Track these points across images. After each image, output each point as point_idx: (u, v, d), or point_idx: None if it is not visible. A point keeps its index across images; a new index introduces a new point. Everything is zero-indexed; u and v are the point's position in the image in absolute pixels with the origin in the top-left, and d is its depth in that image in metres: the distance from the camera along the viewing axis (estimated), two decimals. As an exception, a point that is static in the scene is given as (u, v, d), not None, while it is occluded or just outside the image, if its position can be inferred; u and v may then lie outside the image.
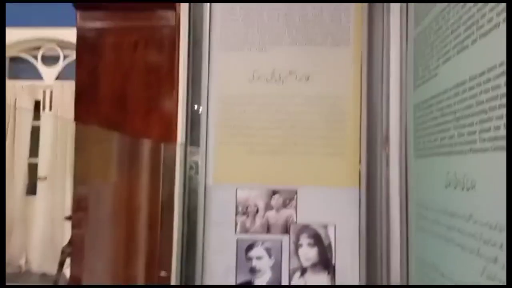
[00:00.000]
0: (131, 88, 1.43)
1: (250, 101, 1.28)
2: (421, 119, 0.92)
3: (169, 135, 1.29)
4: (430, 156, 0.86)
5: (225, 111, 1.28)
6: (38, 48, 3.85)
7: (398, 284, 1.08)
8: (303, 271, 1.22)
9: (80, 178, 1.26)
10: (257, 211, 1.25)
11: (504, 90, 0.56)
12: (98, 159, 1.25)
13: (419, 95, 0.95)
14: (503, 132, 0.56)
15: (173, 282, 1.22)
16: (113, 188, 1.30)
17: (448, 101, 0.77)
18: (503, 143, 0.56)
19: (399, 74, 1.12)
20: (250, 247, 1.24)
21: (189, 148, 1.28)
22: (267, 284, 1.22)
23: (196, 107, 1.30)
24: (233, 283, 1.23)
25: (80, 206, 1.29)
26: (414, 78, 0.98)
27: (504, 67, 0.56)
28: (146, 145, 1.31)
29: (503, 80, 0.57)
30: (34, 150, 3.53)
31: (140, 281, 1.36)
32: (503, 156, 0.56)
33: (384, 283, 1.14)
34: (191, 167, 1.29)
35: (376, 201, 1.21)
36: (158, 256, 1.27)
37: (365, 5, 1.27)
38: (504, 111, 0.56)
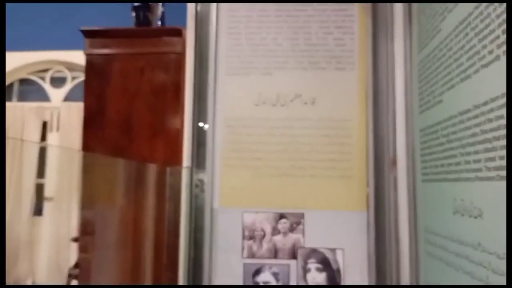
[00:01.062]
0: (138, 113, 1.45)
1: (256, 124, 1.29)
2: (427, 143, 0.93)
3: (175, 158, 1.30)
4: (437, 182, 0.86)
5: (231, 135, 1.29)
6: (46, 70, 3.92)
7: (408, 309, 1.06)
8: (311, 296, 1.21)
9: (86, 202, 1.27)
10: (264, 235, 1.24)
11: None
12: (104, 183, 1.26)
13: (425, 120, 0.95)
14: (506, 162, 0.56)
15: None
16: (119, 212, 1.31)
17: (453, 128, 0.78)
18: (504, 172, 0.56)
19: (404, 97, 1.13)
20: (257, 271, 1.23)
21: (195, 170, 1.29)
22: (275, 309, 1.21)
23: (202, 125, 1.32)
24: (240, 309, 1.22)
25: (86, 230, 1.30)
26: (420, 103, 0.99)
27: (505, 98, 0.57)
28: (151, 168, 1.32)
29: (505, 110, 0.57)
30: (41, 170, 3.56)
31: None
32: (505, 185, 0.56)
33: (393, 308, 1.13)
34: (196, 185, 1.29)
35: (384, 224, 1.20)
36: (164, 279, 1.27)
37: (370, 29, 1.29)
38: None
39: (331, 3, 1.31)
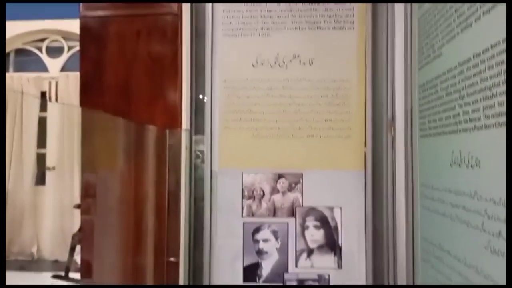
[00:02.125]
0: (135, 77, 1.43)
1: (254, 86, 1.28)
2: (426, 99, 0.92)
3: (174, 122, 1.30)
4: (435, 136, 0.86)
5: (229, 97, 1.28)
6: (42, 40, 3.86)
7: (405, 282, 1.09)
8: (310, 252, 1.24)
9: (87, 166, 1.28)
10: (263, 195, 1.26)
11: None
12: (104, 147, 1.27)
13: (424, 76, 0.94)
14: (505, 108, 0.56)
15: (181, 267, 1.24)
16: (120, 176, 1.32)
17: (452, 80, 0.77)
18: (505, 118, 0.56)
19: (404, 55, 1.11)
20: (256, 230, 1.25)
21: (194, 137, 1.29)
22: (275, 264, 1.24)
23: (200, 94, 1.31)
24: (241, 266, 1.25)
25: (88, 193, 1.31)
26: (419, 59, 0.98)
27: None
28: (151, 132, 1.32)
29: (505, 56, 0.56)
30: (41, 140, 3.56)
31: (149, 267, 1.38)
32: (504, 131, 0.56)
33: (391, 263, 1.15)
34: (197, 156, 1.30)
35: (381, 183, 1.21)
36: (166, 241, 1.29)
37: (369, -14, 1.26)
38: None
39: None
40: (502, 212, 0.58)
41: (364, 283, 1.21)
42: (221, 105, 1.28)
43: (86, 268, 1.35)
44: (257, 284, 1.24)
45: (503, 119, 0.57)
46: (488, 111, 0.62)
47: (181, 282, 1.24)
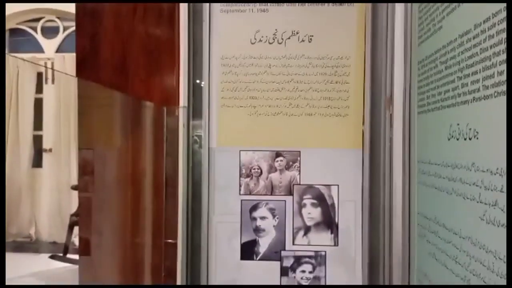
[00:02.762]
0: (132, 53, 1.42)
1: (252, 63, 1.27)
2: (425, 74, 0.92)
3: (171, 99, 1.29)
4: (433, 111, 0.86)
5: (227, 74, 1.27)
6: (37, 20, 3.80)
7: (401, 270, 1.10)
8: (307, 230, 1.25)
9: (84, 142, 1.27)
10: (261, 173, 1.26)
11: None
12: (101, 123, 1.26)
13: (424, 51, 0.93)
14: (505, 76, 0.56)
15: (179, 244, 1.25)
16: (117, 153, 1.32)
17: (452, 53, 0.76)
18: (505, 87, 0.56)
19: (403, 31, 1.09)
20: (254, 208, 1.26)
21: (192, 121, 1.28)
22: (272, 242, 1.25)
23: (197, 72, 1.29)
24: (238, 243, 1.26)
25: (85, 170, 1.31)
26: (419, 34, 0.97)
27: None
28: (148, 109, 1.31)
29: (506, 24, 0.56)
30: (38, 122, 3.54)
31: (147, 244, 1.39)
32: (505, 100, 0.56)
33: (386, 240, 1.16)
34: (195, 141, 1.29)
35: (379, 161, 1.21)
36: (164, 218, 1.30)
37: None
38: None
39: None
40: (499, 182, 0.58)
41: (360, 260, 1.23)
42: (219, 82, 1.27)
43: (84, 246, 1.36)
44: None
45: (503, 88, 0.57)
46: (488, 81, 0.61)
47: (179, 262, 1.25)
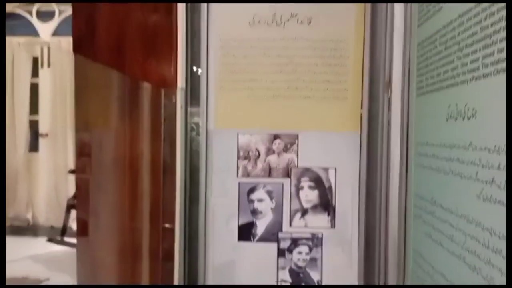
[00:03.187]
0: (128, 35, 1.40)
1: (251, 45, 1.26)
2: (424, 56, 0.91)
3: (169, 81, 1.29)
4: (432, 92, 0.86)
5: (225, 56, 1.26)
6: (32, 3, 3.74)
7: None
8: (304, 212, 1.25)
9: (81, 124, 1.27)
10: (259, 155, 1.26)
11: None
12: (98, 105, 1.25)
13: (423, 32, 0.93)
14: (506, 54, 0.56)
15: (177, 226, 1.25)
16: (114, 134, 1.31)
17: (452, 33, 0.76)
18: (505, 64, 0.56)
19: (403, 14, 1.09)
20: (251, 190, 1.27)
21: (189, 109, 1.27)
22: (269, 224, 1.26)
23: (195, 54, 1.28)
24: (236, 225, 1.27)
25: (82, 152, 1.30)
26: (419, 16, 0.96)
27: (512, -14, 0.55)
28: (145, 91, 1.31)
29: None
30: (34, 107, 3.52)
31: (145, 229, 1.39)
32: (505, 78, 0.56)
33: (383, 223, 1.17)
34: (192, 129, 1.29)
35: (376, 144, 1.22)
36: (162, 200, 1.30)
37: None
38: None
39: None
40: (496, 160, 0.59)
41: (356, 242, 1.24)
42: (217, 65, 1.27)
43: (82, 227, 1.36)
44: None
45: (502, 65, 0.57)
46: (487, 60, 0.61)
47: (176, 245, 1.25)
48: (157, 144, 1.32)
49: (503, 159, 0.57)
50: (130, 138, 1.32)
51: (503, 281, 0.56)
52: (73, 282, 2.19)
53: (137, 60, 1.38)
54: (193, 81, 1.28)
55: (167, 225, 1.33)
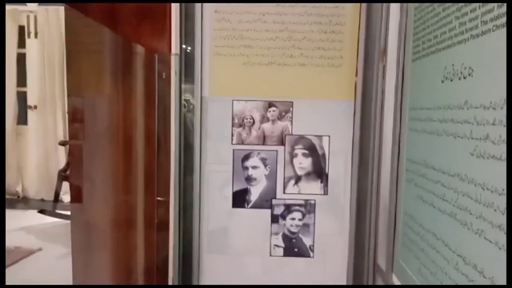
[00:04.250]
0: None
1: (246, 10, 1.24)
2: (421, 20, 0.91)
3: (163, 46, 1.27)
4: (428, 55, 0.86)
5: (220, 22, 1.24)
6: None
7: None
8: (297, 179, 1.27)
9: (73, 89, 1.25)
10: (253, 123, 1.26)
11: (512, -36, 0.55)
12: (91, 69, 1.23)
13: (421, -4, 0.92)
14: (505, 8, 0.56)
15: (172, 189, 1.25)
16: (108, 100, 1.30)
17: (451, -6, 0.76)
18: (504, 19, 0.56)
19: (401, -21, 1.08)
20: (246, 157, 1.27)
21: (183, 85, 1.26)
22: (263, 190, 1.27)
23: (190, 19, 1.26)
24: (230, 192, 1.28)
25: (75, 118, 1.29)
26: (417, -21, 0.95)
27: None
28: (139, 56, 1.29)
29: (512, -47, 0.55)
30: (22, 79, 3.43)
31: (140, 196, 1.39)
32: (503, 32, 0.56)
33: (374, 188, 1.20)
34: (184, 106, 1.27)
35: (370, 112, 1.23)
36: (156, 166, 1.30)
37: None
38: (510, -14, 0.55)
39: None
40: (491, 116, 0.60)
41: (348, 207, 1.26)
42: (212, 30, 1.25)
43: (75, 193, 1.36)
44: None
45: (502, 20, 0.57)
46: (486, 16, 0.61)
47: (171, 212, 1.26)
48: (151, 110, 1.31)
49: (498, 115, 0.58)
50: (124, 102, 1.31)
51: (493, 234, 0.58)
52: (67, 251, 2.20)
53: (131, 24, 1.35)
54: (187, 46, 1.26)
55: (160, 199, 1.33)
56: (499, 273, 0.57)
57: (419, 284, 0.88)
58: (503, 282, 0.55)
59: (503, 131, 0.56)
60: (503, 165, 0.56)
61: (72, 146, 1.30)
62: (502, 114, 0.57)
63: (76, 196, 1.37)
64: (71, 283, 1.41)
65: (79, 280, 1.39)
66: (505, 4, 0.56)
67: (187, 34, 1.26)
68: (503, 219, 0.56)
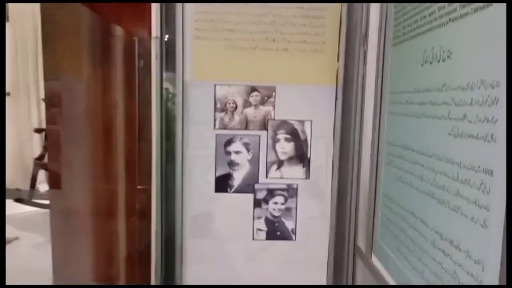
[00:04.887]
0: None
1: (229, -7, 1.23)
2: (402, 5, 0.92)
3: (143, 29, 1.24)
4: (408, 40, 0.88)
5: (202, 5, 1.23)
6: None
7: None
8: (280, 164, 1.28)
9: (50, 72, 1.22)
10: (236, 107, 1.26)
11: None
12: (68, 53, 1.20)
13: (402, -19, 0.93)
14: (485, -9, 0.58)
15: (153, 178, 1.24)
16: (86, 84, 1.27)
17: (431, -22, 0.77)
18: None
19: (382, -36, 1.09)
20: (228, 142, 1.27)
21: (164, 73, 1.24)
22: (246, 175, 1.28)
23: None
24: (213, 177, 1.28)
25: (52, 102, 1.26)
26: (398, -35, 0.97)
27: None
28: (118, 39, 1.26)
29: None
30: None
31: (121, 183, 1.38)
32: (483, 15, 0.58)
33: (355, 171, 1.22)
34: (167, 99, 1.26)
35: (351, 97, 1.25)
36: (138, 152, 1.29)
37: None
38: (488, -31, 0.57)
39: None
40: (468, 96, 0.62)
41: (329, 191, 1.29)
42: (193, 13, 1.23)
43: (54, 179, 1.33)
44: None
45: (480, 3, 0.59)
46: (466, -1, 0.63)
47: (153, 198, 1.25)
48: (131, 95, 1.29)
49: (475, 95, 0.60)
50: (102, 87, 1.28)
51: (469, 209, 0.61)
52: (44, 240, 2.16)
53: (110, 5, 1.31)
54: (168, 30, 1.24)
55: (140, 187, 1.32)
56: (474, 246, 0.59)
57: (399, 264, 0.91)
58: (478, 255, 0.58)
59: (479, 111, 0.58)
60: (479, 143, 0.58)
61: (49, 131, 1.27)
62: (479, 94, 0.59)
63: (55, 182, 1.34)
64: (50, 272, 1.39)
65: (59, 267, 1.37)
66: (484, -14, 0.58)
67: (168, 17, 1.23)
68: (478, 195, 0.58)
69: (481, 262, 0.57)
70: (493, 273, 0.54)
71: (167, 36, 1.23)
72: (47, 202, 1.41)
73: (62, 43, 1.13)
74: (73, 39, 1.15)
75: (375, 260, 1.08)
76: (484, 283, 0.57)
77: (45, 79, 1.23)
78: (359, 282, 1.26)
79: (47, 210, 1.40)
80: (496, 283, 0.54)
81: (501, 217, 0.53)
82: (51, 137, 1.27)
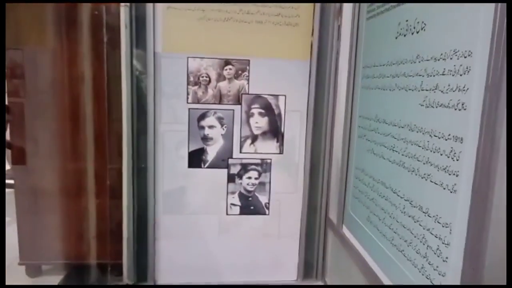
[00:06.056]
0: None
1: (201, -37, 1.19)
2: (377, -23, 0.93)
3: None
4: (383, 13, 0.88)
5: (174, -26, 1.18)
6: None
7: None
8: (254, 138, 1.28)
9: (12, 41, 1.14)
10: (209, 81, 1.24)
11: None
12: (31, 21, 1.13)
13: (377, -47, 0.93)
14: (460, -39, 0.58)
15: (124, 154, 1.21)
16: (51, 54, 1.21)
17: (407, -50, 0.77)
18: (459, -28, 0.58)
19: None
20: (202, 116, 1.25)
21: (135, 50, 1.19)
22: (219, 150, 1.27)
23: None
24: (186, 152, 1.27)
25: (14, 73, 1.19)
26: None
27: None
28: (84, 6, 1.20)
29: None
30: None
31: (90, 159, 1.34)
32: (456, -15, 0.59)
33: (327, 145, 1.24)
34: (139, 80, 1.21)
35: (325, 72, 1.25)
36: (108, 126, 1.25)
37: None
38: None
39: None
40: (441, 67, 0.63)
41: (302, 166, 1.30)
42: (164, -18, 1.18)
43: (18, 155, 1.28)
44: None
45: (455, -27, 0.59)
46: (441, -30, 0.64)
47: (124, 176, 1.22)
48: (99, 67, 1.24)
49: (447, 65, 0.61)
50: (68, 58, 1.22)
51: (439, 176, 0.63)
52: (9, 220, 2.08)
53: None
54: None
55: (111, 166, 1.28)
56: (442, 211, 0.62)
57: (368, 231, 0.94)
58: (446, 219, 0.61)
59: (451, 80, 0.60)
60: (450, 112, 0.60)
61: (12, 104, 1.21)
62: (451, 64, 0.60)
63: (19, 158, 1.29)
64: (17, 249, 1.35)
65: (26, 245, 1.33)
66: (459, -44, 0.58)
67: (138, -15, 1.18)
68: (448, 162, 0.60)
69: (448, 225, 0.60)
70: (460, 235, 0.57)
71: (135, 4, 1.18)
72: (10, 181, 1.35)
73: (24, 10, 1.06)
74: (36, 6, 1.08)
75: (345, 231, 1.11)
76: (451, 246, 0.59)
77: (7, 48, 1.16)
78: (329, 251, 1.30)
79: (11, 190, 1.34)
80: (462, 244, 0.56)
81: (469, 182, 0.55)
82: (14, 110, 1.21)
